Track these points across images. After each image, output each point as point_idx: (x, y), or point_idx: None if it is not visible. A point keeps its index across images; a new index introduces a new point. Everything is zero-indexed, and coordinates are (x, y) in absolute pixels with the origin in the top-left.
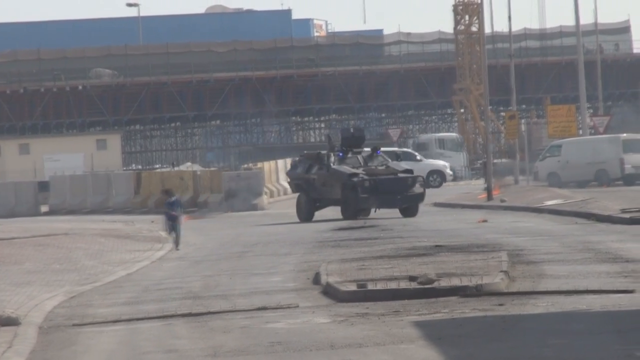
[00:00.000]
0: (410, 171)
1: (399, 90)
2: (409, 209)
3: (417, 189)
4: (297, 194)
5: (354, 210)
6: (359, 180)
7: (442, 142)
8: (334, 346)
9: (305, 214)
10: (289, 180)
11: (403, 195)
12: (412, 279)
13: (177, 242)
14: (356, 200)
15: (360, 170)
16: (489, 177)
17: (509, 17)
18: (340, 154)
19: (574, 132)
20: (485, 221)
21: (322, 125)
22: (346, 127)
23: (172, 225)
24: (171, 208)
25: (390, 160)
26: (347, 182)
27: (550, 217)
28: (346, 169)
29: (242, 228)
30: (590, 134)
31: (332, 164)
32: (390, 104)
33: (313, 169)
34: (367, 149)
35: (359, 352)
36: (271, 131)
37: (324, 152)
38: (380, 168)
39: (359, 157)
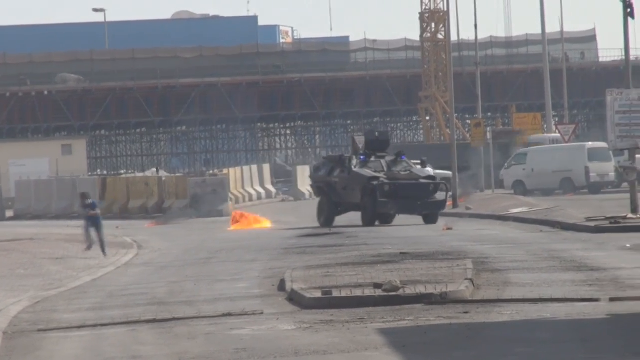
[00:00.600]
0: (433, 177)
1: (364, 97)
2: (430, 216)
3: (439, 195)
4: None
5: (372, 214)
6: (378, 184)
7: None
8: (299, 353)
9: (326, 218)
10: (311, 183)
11: (424, 201)
12: (377, 286)
13: (102, 248)
14: (374, 204)
15: (381, 175)
16: (454, 184)
17: (475, 25)
18: (363, 158)
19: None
20: (450, 229)
21: (288, 131)
22: (371, 129)
23: (96, 227)
24: (91, 209)
25: (413, 165)
26: (367, 185)
27: (516, 225)
28: (367, 172)
29: (208, 234)
30: (556, 141)
31: (353, 167)
32: (356, 111)
33: (335, 172)
34: (391, 154)
35: (324, 359)
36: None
37: (346, 155)
38: (403, 173)
39: (382, 161)
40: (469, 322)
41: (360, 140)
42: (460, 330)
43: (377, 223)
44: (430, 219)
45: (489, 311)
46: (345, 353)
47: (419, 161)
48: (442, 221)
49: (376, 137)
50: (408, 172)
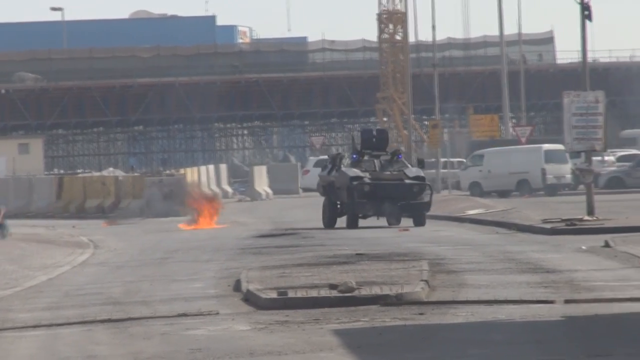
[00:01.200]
0: (421, 178)
1: (322, 98)
2: (416, 218)
3: (424, 197)
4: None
5: (351, 216)
6: (357, 184)
7: None
8: (254, 354)
9: (327, 219)
10: (318, 182)
11: (406, 202)
12: (332, 287)
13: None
14: (353, 205)
15: (366, 174)
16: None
17: (433, 27)
18: (355, 156)
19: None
20: (406, 230)
21: (245, 132)
22: (368, 127)
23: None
24: None
25: (410, 165)
26: (349, 185)
27: (472, 226)
28: (352, 171)
29: (164, 234)
30: (513, 143)
31: (342, 166)
32: (314, 112)
33: (333, 171)
34: (387, 153)
35: (279, 359)
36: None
37: (343, 153)
38: (390, 173)
39: (377, 160)
40: (424, 324)
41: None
42: (416, 332)
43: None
44: (416, 220)
45: (444, 312)
46: (300, 354)
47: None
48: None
49: (373, 135)
50: (399, 172)
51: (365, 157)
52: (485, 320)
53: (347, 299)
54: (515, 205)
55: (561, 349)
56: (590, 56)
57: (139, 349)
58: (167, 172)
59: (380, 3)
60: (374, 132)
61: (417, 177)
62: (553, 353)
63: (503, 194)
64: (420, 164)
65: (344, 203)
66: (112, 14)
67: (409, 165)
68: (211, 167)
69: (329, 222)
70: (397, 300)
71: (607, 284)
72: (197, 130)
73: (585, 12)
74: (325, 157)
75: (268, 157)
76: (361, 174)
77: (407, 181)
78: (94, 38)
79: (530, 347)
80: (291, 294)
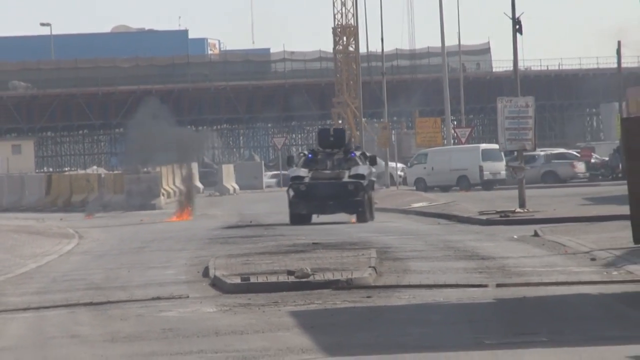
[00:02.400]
0: (360, 176)
1: (283, 103)
2: (358, 215)
3: (359, 196)
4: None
5: (290, 215)
6: (293, 184)
7: None
8: (219, 333)
9: (293, 217)
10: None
11: (339, 201)
12: (290, 273)
13: None
14: (290, 204)
15: (308, 174)
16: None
17: (382, 39)
18: (310, 155)
19: (440, 142)
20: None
21: (215, 133)
22: (326, 127)
23: None
24: None
25: (364, 163)
26: (290, 185)
27: (417, 218)
28: (294, 170)
29: (141, 226)
30: (454, 143)
31: (294, 166)
32: (276, 115)
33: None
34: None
35: (241, 338)
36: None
37: (302, 152)
38: (334, 172)
39: (332, 159)
40: (371, 306)
41: None
42: (363, 313)
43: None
44: (358, 217)
45: (389, 296)
46: (260, 333)
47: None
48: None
49: (330, 134)
50: (339, 171)
51: (319, 156)
52: (425, 302)
53: (303, 284)
54: (455, 199)
55: (492, 328)
56: (522, 65)
57: (116, 329)
58: (144, 170)
59: (335, 18)
60: (331, 132)
61: (355, 176)
62: (484, 332)
63: (445, 188)
64: (372, 161)
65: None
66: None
67: (360, 163)
68: (184, 165)
69: (294, 219)
70: (348, 285)
71: (535, 269)
72: None
73: (517, 26)
74: None
75: (235, 156)
76: (302, 174)
77: (344, 180)
78: (79, 50)
79: (464, 326)
80: (253, 279)
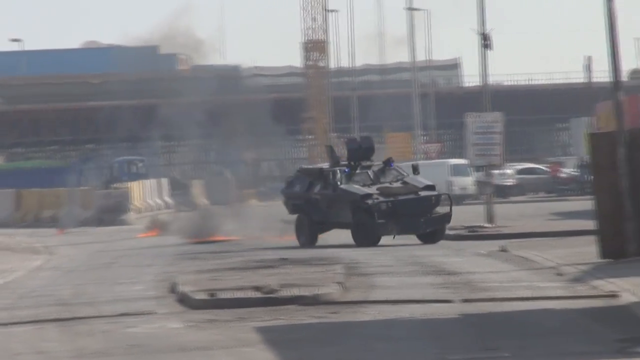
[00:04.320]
0: (432, 187)
1: (254, 118)
2: (432, 234)
3: (442, 209)
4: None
5: (371, 237)
6: (374, 204)
7: None
8: (184, 349)
9: (308, 238)
10: (284, 199)
11: (427, 217)
12: (257, 288)
13: None
14: (373, 226)
15: (373, 190)
16: None
17: (351, 55)
18: (347, 170)
19: (410, 157)
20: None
21: (186, 149)
22: (353, 137)
23: None
24: None
25: (406, 173)
26: (360, 205)
27: None
28: (357, 188)
29: (110, 241)
30: (424, 159)
31: (338, 183)
32: (246, 130)
33: (314, 187)
34: (378, 163)
35: (206, 354)
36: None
37: (327, 167)
38: (395, 185)
39: (369, 172)
40: (336, 321)
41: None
42: (329, 329)
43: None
44: (432, 237)
45: (355, 311)
46: (225, 349)
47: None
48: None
49: (359, 145)
50: (401, 182)
51: (357, 170)
52: (390, 318)
53: (269, 300)
54: None
55: (456, 344)
56: (493, 80)
57: (83, 345)
58: (114, 185)
59: (305, 33)
60: (359, 141)
61: (428, 187)
62: (449, 347)
63: None
64: (415, 170)
65: (337, 222)
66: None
67: (405, 173)
68: (154, 180)
69: (310, 240)
70: (314, 301)
71: (501, 284)
72: (142, 147)
73: (486, 42)
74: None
75: (205, 172)
76: (369, 191)
77: (422, 194)
78: (49, 66)
79: (429, 342)
80: (220, 295)
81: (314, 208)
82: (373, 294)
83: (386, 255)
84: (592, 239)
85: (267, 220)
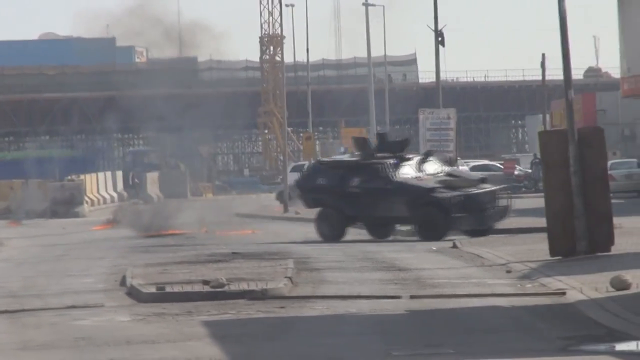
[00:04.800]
0: (485, 180)
1: (210, 112)
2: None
3: (502, 202)
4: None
5: (441, 232)
6: (446, 197)
7: None
8: (130, 342)
9: (336, 232)
10: (299, 193)
11: (492, 211)
12: (205, 282)
13: None
14: (445, 221)
15: (433, 183)
16: (285, 191)
17: (307, 49)
18: (396, 161)
19: None
20: (254, 232)
21: (141, 142)
22: (382, 131)
23: None
24: None
25: (445, 166)
26: (427, 199)
27: None
28: (418, 181)
29: (64, 234)
30: None
31: (392, 176)
32: (202, 124)
33: (350, 180)
34: (417, 154)
35: (152, 347)
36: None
37: (375, 160)
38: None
39: (412, 163)
40: (284, 316)
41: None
42: (276, 323)
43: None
44: (484, 230)
45: (303, 306)
46: (171, 342)
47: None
48: (274, 224)
49: (394, 139)
50: (446, 175)
51: (403, 162)
52: (338, 313)
53: (217, 294)
54: None
55: (402, 340)
56: (449, 76)
57: (29, 338)
58: (68, 177)
59: (262, 27)
60: (393, 136)
61: (483, 180)
62: (395, 343)
63: None
64: (452, 163)
65: (386, 217)
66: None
67: (445, 166)
68: (108, 173)
69: (337, 235)
70: (262, 295)
71: (449, 281)
72: (97, 140)
73: (439, 38)
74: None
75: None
76: (432, 184)
77: (488, 187)
78: (5, 57)
79: (375, 337)
80: (168, 288)
81: (348, 202)
82: (322, 289)
83: (338, 250)
84: (543, 236)
85: (221, 214)
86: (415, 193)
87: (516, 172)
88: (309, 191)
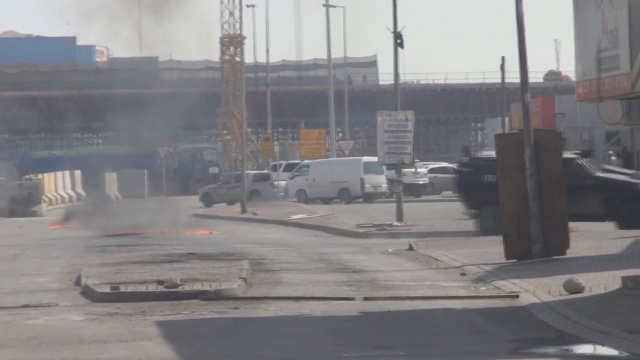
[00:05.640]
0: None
1: (170, 112)
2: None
3: None
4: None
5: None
6: None
7: None
8: (83, 341)
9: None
10: (463, 194)
11: None
12: (160, 283)
13: None
14: None
15: (632, 178)
16: (242, 192)
17: (267, 50)
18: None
19: (324, 154)
20: (211, 232)
21: (100, 141)
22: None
23: None
24: None
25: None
26: (634, 193)
27: (295, 229)
28: (623, 177)
29: (19, 232)
30: (338, 155)
31: (593, 172)
32: (162, 124)
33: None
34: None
35: (104, 347)
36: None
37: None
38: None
39: (585, 161)
40: (237, 317)
41: None
42: (228, 324)
43: None
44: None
45: (257, 307)
46: (123, 342)
47: None
48: (232, 225)
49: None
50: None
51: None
52: (291, 314)
53: (171, 294)
54: (335, 211)
55: (354, 342)
56: (409, 78)
57: None
58: (27, 177)
59: (222, 27)
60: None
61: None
62: (346, 345)
63: (326, 200)
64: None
65: (590, 214)
66: None
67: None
68: (67, 172)
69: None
70: (216, 296)
71: (404, 283)
72: (57, 139)
73: (398, 40)
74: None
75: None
76: (634, 180)
77: None
78: None
79: (327, 339)
80: (123, 288)
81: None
82: (276, 290)
83: (294, 252)
84: (499, 239)
85: (178, 214)
86: (620, 188)
87: None
88: (474, 189)
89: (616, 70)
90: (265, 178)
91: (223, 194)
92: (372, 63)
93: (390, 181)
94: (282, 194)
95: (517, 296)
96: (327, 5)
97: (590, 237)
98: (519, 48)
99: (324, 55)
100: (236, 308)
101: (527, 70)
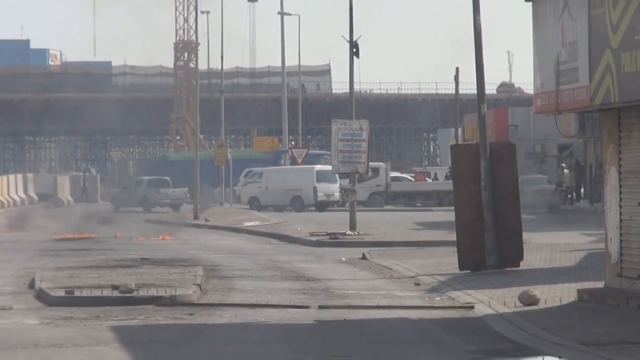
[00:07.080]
0: None
1: (123, 117)
2: None
3: None
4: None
5: None
6: None
7: None
8: (38, 345)
9: None
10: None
11: None
12: (114, 287)
13: None
14: None
15: None
16: (196, 198)
17: (222, 57)
18: None
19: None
20: (164, 238)
21: (53, 145)
22: None
23: None
24: None
25: None
26: None
27: (248, 237)
28: None
29: None
30: (290, 163)
31: None
32: (114, 129)
33: None
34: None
35: (59, 351)
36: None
37: None
38: None
39: None
40: (192, 323)
41: None
42: (184, 330)
43: None
44: None
45: (211, 314)
46: (79, 347)
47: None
48: (184, 231)
49: None
50: None
51: None
52: (246, 321)
53: (126, 299)
54: (288, 219)
55: (308, 349)
56: (363, 87)
57: None
58: None
59: (177, 33)
60: None
61: None
62: (300, 352)
63: (279, 208)
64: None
65: None
66: None
67: None
68: (19, 175)
69: None
70: (171, 302)
71: (358, 292)
72: (9, 142)
73: (354, 50)
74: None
75: (72, 168)
76: None
77: None
78: None
79: (281, 346)
80: (77, 292)
81: None
82: (231, 297)
83: (247, 259)
84: (452, 250)
85: (131, 220)
86: None
87: None
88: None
89: (575, 83)
90: (165, 185)
91: (125, 199)
92: (325, 72)
93: (344, 190)
94: (168, 200)
95: (472, 307)
96: (282, 13)
97: (544, 249)
98: (476, 60)
99: (278, 63)
100: (191, 314)
101: (484, 82)
